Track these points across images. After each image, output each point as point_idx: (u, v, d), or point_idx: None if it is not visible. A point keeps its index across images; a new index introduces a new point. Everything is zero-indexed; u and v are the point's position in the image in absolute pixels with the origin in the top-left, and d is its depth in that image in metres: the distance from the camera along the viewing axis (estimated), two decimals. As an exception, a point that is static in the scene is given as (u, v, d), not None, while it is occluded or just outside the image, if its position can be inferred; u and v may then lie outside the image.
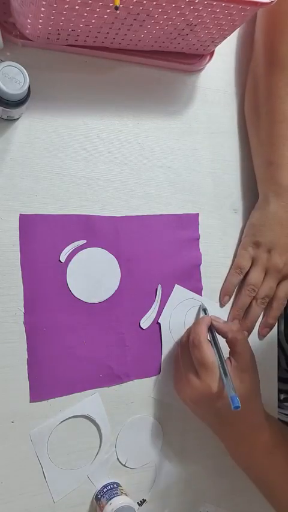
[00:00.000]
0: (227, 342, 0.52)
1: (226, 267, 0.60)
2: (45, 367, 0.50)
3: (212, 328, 0.53)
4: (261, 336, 0.61)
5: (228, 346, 0.52)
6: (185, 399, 0.52)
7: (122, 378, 0.54)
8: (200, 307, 0.58)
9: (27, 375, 0.49)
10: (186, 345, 0.52)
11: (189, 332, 0.54)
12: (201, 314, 0.58)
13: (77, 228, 0.52)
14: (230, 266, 0.60)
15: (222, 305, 0.60)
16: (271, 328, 0.62)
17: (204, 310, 0.57)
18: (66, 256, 0.51)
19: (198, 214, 0.58)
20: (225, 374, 0.48)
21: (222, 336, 0.53)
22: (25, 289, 0.49)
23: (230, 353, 0.52)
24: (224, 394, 0.47)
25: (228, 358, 0.51)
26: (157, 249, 0.56)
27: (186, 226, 0.58)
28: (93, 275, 0.52)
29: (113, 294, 0.53)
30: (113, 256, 0.53)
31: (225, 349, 0.52)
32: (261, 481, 0.53)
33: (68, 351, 0.51)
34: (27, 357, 0.49)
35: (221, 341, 0.52)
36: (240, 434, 0.51)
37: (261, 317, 0.61)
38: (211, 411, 0.51)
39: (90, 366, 0.52)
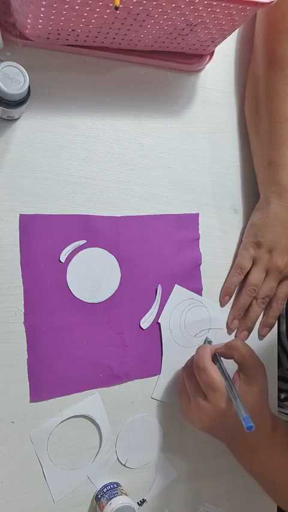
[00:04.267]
0: (234, 361, 0.51)
1: (226, 267, 0.60)
2: (45, 367, 0.50)
3: (216, 355, 0.53)
4: (261, 335, 0.61)
5: (237, 363, 0.51)
6: (197, 424, 0.51)
7: (122, 378, 0.54)
8: (205, 340, 0.58)
9: (27, 374, 0.49)
10: (191, 369, 0.52)
11: (192, 358, 0.53)
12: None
13: (77, 228, 0.52)
14: (230, 266, 0.60)
15: (222, 305, 0.60)
16: (271, 328, 0.62)
17: (210, 343, 0.57)
18: (66, 256, 0.51)
19: (198, 214, 0.58)
20: (234, 396, 0.47)
21: (229, 358, 0.52)
22: (25, 289, 0.49)
23: (239, 368, 0.51)
24: (235, 411, 0.47)
25: (237, 372, 0.51)
26: (157, 249, 0.56)
27: (186, 226, 0.58)
28: (93, 275, 0.52)
29: (113, 294, 0.53)
30: (113, 256, 0.53)
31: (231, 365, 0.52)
32: (275, 485, 0.53)
33: (68, 350, 0.51)
34: (27, 356, 0.49)
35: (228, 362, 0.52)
36: (252, 444, 0.51)
37: (261, 317, 0.61)
38: (224, 430, 0.51)
39: (90, 366, 0.52)
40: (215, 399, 0.48)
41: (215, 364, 0.51)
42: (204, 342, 0.58)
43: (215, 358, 0.52)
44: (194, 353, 0.53)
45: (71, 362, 0.51)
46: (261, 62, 0.56)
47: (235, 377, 0.51)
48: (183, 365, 0.56)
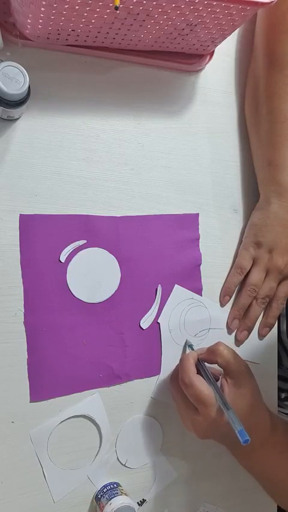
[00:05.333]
0: (218, 365, 0.51)
1: (226, 267, 0.60)
2: (45, 367, 0.50)
3: (199, 361, 0.52)
4: (261, 335, 0.61)
5: (221, 368, 0.51)
6: (194, 434, 0.51)
7: (122, 378, 0.54)
8: (185, 344, 0.57)
9: (27, 374, 0.49)
10: (177, 383, 0.51)
11: (177, 369, 0.53)
12: (187, 350, 0.57)
13: (77, 228, 0.52)
14: (230, 266, 0.60)
15: (222, 305, 0.60)
16: (271, 328, 0.62)
17: (190, 346, 0.56)
18: (66, 256, 0.51)
19: (198, 214, 0.58)
20: (226, 407, 0.46)
21: (212, 363, 0.52)
22: (25, 289, 0.49)
23: (224, 373, 0.51)
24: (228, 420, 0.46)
25: (223, 377, 0.51)
26: (157, 249, 0.56)
27: (186, 226, 0.58)
28: (93, 275, 0.52)
29: (113, 294, 0.53)
30: (113, 256, 0.53)
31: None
32: (275, 484, 0.53)
33: (68, 350, 0.51)
34: (27, 356, 0.49)
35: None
36: (251, 444, 0.50)
37: (260, 317, 0.61)
38: (221, 436, 0.51)
39: (90, 366, 0.52)
40: (206, 412, 0.48)
41: (200, 371, 0.51)
42: (185, 346, 0.57)
43: (199, 365, 0.52)
44: (178, 362, 0.52)
45: (71, 362, 0.51)
46: (261, 62, 0.56)
47: (223, 382, 0.50)
48: (169, 376, 0.56)
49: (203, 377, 0.50)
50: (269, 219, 0.57)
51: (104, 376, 0.53)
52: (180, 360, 0.53)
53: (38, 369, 0.50)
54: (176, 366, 0.55)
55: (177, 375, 0.52)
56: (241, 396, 0.49)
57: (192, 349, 0.56)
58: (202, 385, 0.48)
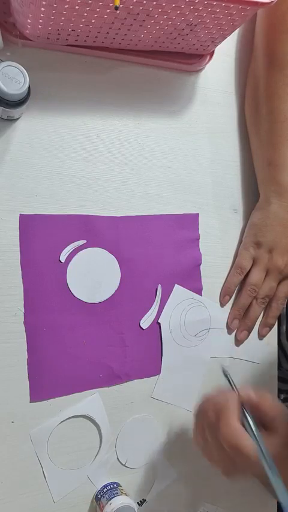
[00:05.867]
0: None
1: (226, 267, 0.60)
2: (45, 367, 0.50)
3: (244, 409, 0.44)
4: (261, 335, 0.61)
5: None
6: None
7: (122, 378, 0.54)
8: (222, 371, 0.50)
9: (27, 374, 0.49)
10: (204, 423, 0.44)
11: (207, 406, 0.45)
12: (223, 379, 0.49)
13: (77, 228, 0.52)
14: (230, 266, 0.60)
15: (222, 305, 0.60)
16: (271, 328, 0.62)
17: (227, 376, 0.48)
18: (66, 256, 0.51)
19: (198, 214, 0.58)
20: (274, 473, 0.39)
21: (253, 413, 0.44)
22: (25, 289, 0.49)
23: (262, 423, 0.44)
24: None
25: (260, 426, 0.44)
26: (157, 249, 0.56)
27: (186, 226, 0.58)
28: (93, 275, 0.52)
29: (113, 294, 0.53)
30: (113, 256, 0.53)
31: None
32: None
33: (68, 351, 0.51)
34: (27, 357, 0.49)
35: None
36: None
37: (260, 317, 0.61)
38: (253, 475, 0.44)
39: (90, 366, 0.52)
40: (244, 464, 0.41)
41: (241, 418, 0.43)
42: (225, 375, 0.49)
43: (242, 414, 0.43)
44: (202, 398, 0.46)
45: (71, 362, 0.51)
46: (261, 62, 0.56)
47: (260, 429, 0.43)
48: (194, 413, 0.48)
49: (243, 425, 0.43)
50: (269, 219, 0.57)
51: (104, 376, 0.53)
52: (220, 403, 0.44)
53: (38, 369, 0.50)
54: (203, 402, 0.47)
55: (205, 411, 0.45)
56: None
57: (229, 379, 0.48)
58: (250, 446, 0.40)
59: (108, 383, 0.53)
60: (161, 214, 0.56)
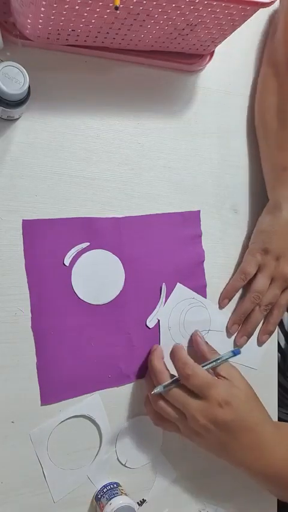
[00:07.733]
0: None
1: (226, 267, 0.60)
2: (54, 371, 0.50)
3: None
4: (261, 342, 0.61)
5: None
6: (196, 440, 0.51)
7: (130, 377, 0.54)
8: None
9: (27, 375, 0.49)
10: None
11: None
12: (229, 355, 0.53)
13: (80, 230, 0.51)
14: (231, 267, 0.60)
15: (221, 307, 0.59)
16: (270, 335, 0.61)
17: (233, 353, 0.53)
18: (70, 259, 0.51)
19: (199, 211, 0.58)
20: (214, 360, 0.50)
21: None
22: (31, 294, 0.49)
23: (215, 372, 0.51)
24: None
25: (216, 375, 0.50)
26: (160, 247, 0.56)
27: (188, 223, 0.57)
28: (97, 277, 0.52)
29: (118, 295, 0.53)
30: (116, 257, 0.53)
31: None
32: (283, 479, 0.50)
33: (76, 353, 0.51)
34: (36, 360, 0.49)
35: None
36: (259, 439, 0.49)
37: (261, 323, 0.61)
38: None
39: (98, 367, 0.52)
40: (215, 392, 0.47)
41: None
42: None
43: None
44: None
45: (79, 364, 0.51)
46: (283, 61, 0.55)
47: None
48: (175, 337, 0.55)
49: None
50: (279, 226, 0.56)
51: (113, 377, 0.53)
52: (174, 352, 0.52)
53: (47, 373, 0.50)
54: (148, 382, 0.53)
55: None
56: (237, 389, 0.49)
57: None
58: (203, 370, 0.49)
59: (117, 383, 0.53)
60: (162, 213, 0.56)
